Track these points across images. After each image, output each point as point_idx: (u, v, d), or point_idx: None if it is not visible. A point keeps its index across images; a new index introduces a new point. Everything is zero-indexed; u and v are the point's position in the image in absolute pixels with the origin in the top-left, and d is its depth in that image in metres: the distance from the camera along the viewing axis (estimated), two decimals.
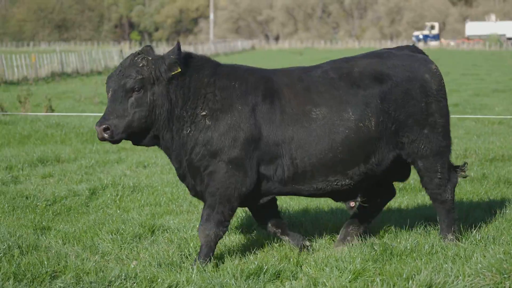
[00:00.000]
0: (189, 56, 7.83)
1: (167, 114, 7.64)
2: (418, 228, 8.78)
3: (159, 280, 7.11)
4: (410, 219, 9.11)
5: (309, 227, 9.16)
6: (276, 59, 67.85)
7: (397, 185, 10.03)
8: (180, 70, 7.61)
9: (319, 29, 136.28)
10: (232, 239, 8.69)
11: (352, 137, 7.69)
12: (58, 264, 7.60)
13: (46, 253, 8.00)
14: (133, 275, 7.24)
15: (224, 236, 8.04)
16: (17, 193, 11.33)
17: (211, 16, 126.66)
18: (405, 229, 8.82)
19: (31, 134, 18.49)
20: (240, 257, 7.95)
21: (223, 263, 7.73)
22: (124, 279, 7.13)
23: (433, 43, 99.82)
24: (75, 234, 9.00)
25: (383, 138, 7.81)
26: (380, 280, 6.87)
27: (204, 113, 7.63)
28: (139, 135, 7.69)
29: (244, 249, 8.29)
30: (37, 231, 9.19)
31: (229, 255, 8.01)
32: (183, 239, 8.62)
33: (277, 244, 8.37)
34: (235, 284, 6.96)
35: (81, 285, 7.01)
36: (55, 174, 13.08)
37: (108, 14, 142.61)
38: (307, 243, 8.18)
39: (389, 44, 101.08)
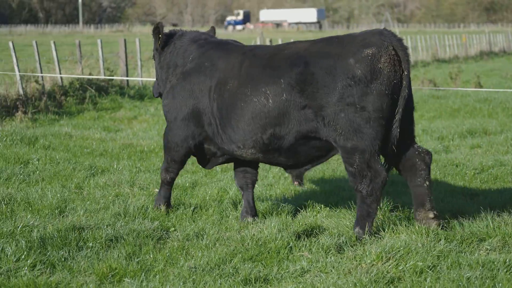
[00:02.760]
0: (180, 35, 9.08)
1: (160, 77, 9.09)
2: None
3: None
4: None
5: None
6: None
7: None
8: (157, 43, 9.07)
9: None
10: None
11: (247, 109, 8.12)
12: (486, 227, 7.77)
13: (475, 218, 8.19)
14: None
15: None
16: (448, 161, 11.74)
17: None
18: None
19: (461, 107, 19.04)
20: None
21: None
22: None
23: (238, 27, 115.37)
24: (504, 202, 9.09)
25: (286, 115, 7.91)
26: None
27: (170, 80, 8.90)
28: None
29: None
30: (466, 197, 9.43)
31: None
32: None
33: None
34: None
35: (506, 249, 7.11)
36: (482, 145, 13.27)
37: None
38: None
39: None
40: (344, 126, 7.62)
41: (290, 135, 7.98)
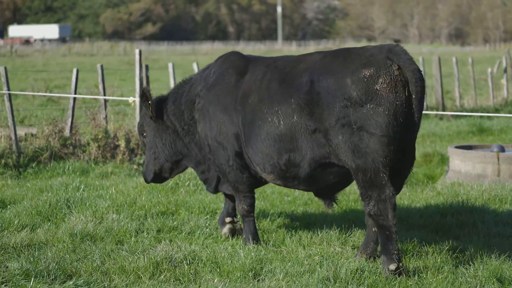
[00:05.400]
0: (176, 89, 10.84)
1: (167, 140, 10.92)
2: None
3: None
4: None
5: None
6: None
7: None
8: (149, 111, 10.83)
9: None
10: None
11: (264, 129, 9.32)
12: None
13: None
14: None
15: None
16: None
17: None
18: None
19: None
20: None
21: None
22: None
23: None
24: None
25: (299, 138, 9.08)
26: None
27: (195, 114, 10.44)
28: None
29: None
30: None
31: None
32: None
33: None
34: None
35: None
36: None
37: None
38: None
39: None
40: (345, 147, 8.73)
41: (305, 162, 9.15)
